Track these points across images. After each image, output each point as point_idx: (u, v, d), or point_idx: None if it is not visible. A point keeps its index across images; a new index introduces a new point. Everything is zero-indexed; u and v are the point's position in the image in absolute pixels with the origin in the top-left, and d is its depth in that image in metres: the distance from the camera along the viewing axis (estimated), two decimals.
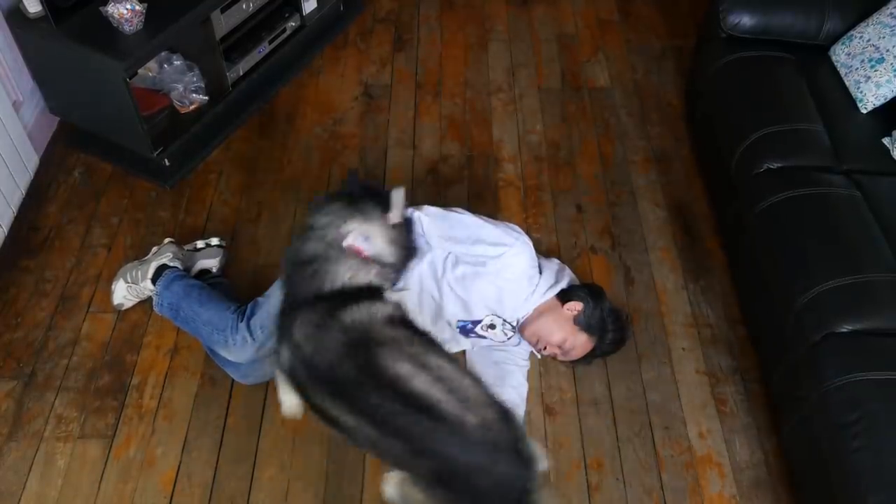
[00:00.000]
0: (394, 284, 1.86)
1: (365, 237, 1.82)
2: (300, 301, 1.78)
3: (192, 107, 2.85)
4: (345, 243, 1.80)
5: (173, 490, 2.06)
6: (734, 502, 2.13)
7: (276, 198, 2.78)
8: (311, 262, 1.80)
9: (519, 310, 2.23)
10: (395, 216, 1.86)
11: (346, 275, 1.78)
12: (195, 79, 2.87)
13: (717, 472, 2.18)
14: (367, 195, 1.90)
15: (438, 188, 2.86)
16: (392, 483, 1.77)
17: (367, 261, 1.81)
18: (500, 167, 2.95)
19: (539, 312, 2.24)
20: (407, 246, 1.90)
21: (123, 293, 2.37)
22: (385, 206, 1.86)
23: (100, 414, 2.18)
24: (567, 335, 2.21)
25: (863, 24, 2.58)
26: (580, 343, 2.23)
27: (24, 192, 2.65)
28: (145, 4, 2.44)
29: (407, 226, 1.92)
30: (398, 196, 1.86)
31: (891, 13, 2.50)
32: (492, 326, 2.24)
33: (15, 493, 2.03)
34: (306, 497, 2.07)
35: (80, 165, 2.83)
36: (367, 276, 1.80)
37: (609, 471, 2.17)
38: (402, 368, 1.62)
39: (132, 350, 2.32)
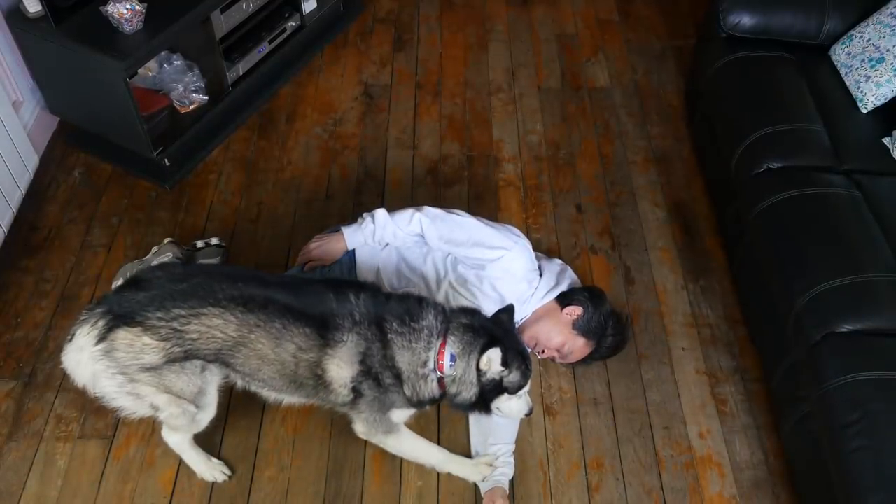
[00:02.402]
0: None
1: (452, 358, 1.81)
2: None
3: (192, 107, 2.85)
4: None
5: (173, 490, 2.06)
6: (734, 502, 2.13)
7: (276, 198, 2.78)
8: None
9: (518, 313, 2.23)
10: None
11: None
12: (195, 79, 2.87)
13: (717, 472, 2.18)
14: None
15: (438, 188, 2.86)
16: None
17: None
18: (500, 167, 2.95)
19: (537, 316, 2.24)
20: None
21: None
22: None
23: (100, 414, 2.18)
24: (565, 339, 2.21)
25: (863, 24, 2.58)
26: (578, 347, 2.23)
27: (24, 192, 2.65)
28: (145, 4, 2.44)
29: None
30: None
31: (891, 13, 2.50)
32: None
33: (15, 493, 2.03)
34: (306, 497, 2.07)
35: (80, 165, 2.83)
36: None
37: (609, 471, 2.17)
38: None
39: None
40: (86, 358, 1.71)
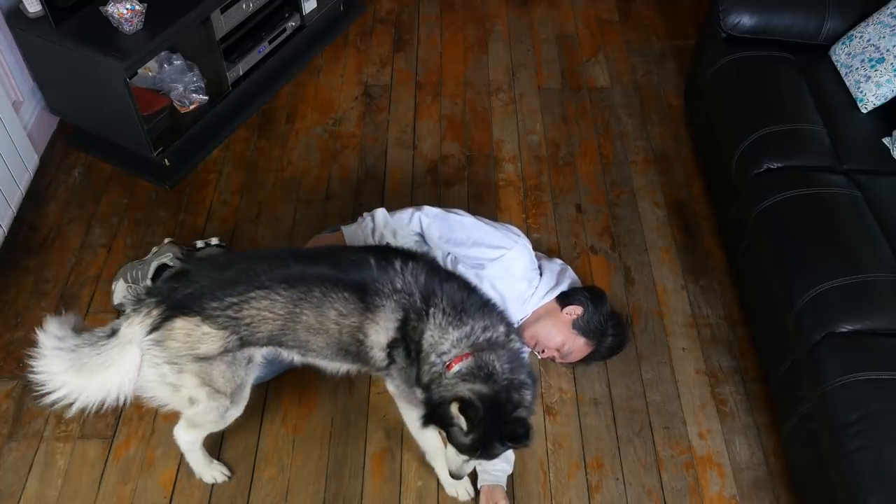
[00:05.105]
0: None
1: None
2: None
3: (192, 107, 2.85)
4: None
5: (173, 490, 2.06)
6: (734, 502, 2.13)
7: (276, 198, 2.78)
8: None
9: (518, 312, 2.23)
10: None
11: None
12: (195, 79, 2.87)
13: (717, 472, 2.18)
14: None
15: (438, 188, 2.86)
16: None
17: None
18: (500, 167, 2.95)
19: (537, 315, 2.24)
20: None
21: (123, 293, 2.37)
22: None
23: (100, 414, 2.15)
24: (565, 339, 2.21)
25: (863, 24, 2.58)
26: (578, 347, 2.23)
27: (24, 192, 2.66)
28: (145, 4, 2.44)
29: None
30: None
31: (891, 13, 2.50)
32: None
33: (15, 494, 2.03)
34: (306, 497, 2.07)
35: (80, 165, 2.83)
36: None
37: (609, 471, 2.17)
38: None
39: None
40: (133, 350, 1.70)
